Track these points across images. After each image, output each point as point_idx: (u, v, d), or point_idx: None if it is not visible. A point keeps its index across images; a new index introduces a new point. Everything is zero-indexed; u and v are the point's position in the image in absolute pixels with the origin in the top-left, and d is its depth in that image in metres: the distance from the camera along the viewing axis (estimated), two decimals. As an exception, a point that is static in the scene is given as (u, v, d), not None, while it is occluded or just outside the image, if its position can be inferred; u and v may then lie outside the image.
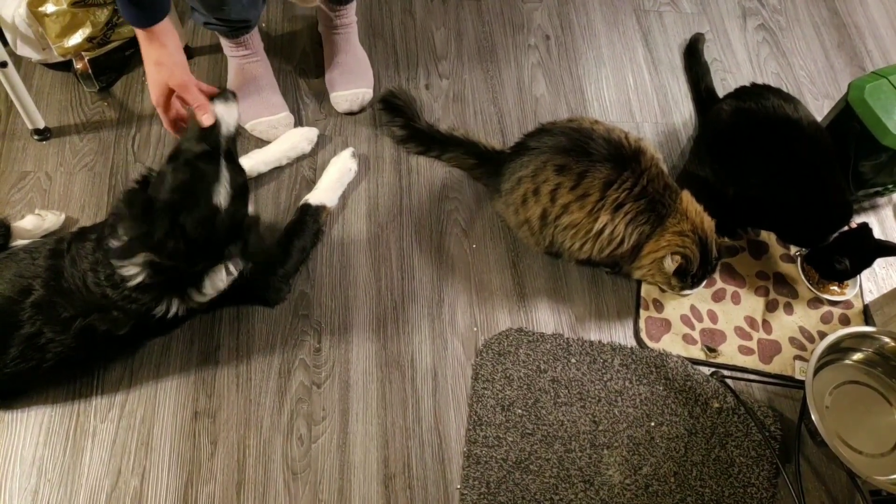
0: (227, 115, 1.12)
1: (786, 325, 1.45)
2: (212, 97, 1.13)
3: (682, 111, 1.71)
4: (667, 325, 1.42)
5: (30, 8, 1.42)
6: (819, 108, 1.74)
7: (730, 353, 1.40)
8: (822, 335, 1.40)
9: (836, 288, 1.48)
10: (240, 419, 1.25)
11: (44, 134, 1.50)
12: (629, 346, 1.38)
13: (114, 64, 1.58)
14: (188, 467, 1.21)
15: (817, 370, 1.26)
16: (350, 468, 1.23)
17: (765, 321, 1.45)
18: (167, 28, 1.11)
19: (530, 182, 1.31)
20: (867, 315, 1.47)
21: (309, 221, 1.39)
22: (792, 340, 1.43)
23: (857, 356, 1.33)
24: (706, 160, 1.49)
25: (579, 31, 1.81)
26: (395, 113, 1.53)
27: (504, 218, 1.46)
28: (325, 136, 1.56)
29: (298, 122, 1.57)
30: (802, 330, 1.44)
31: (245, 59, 1.53)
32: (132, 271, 1.05)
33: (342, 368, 1.31)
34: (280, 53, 1.67)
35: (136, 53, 1.62)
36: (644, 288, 1.44)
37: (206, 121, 1.09)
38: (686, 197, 1.33)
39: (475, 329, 1.38)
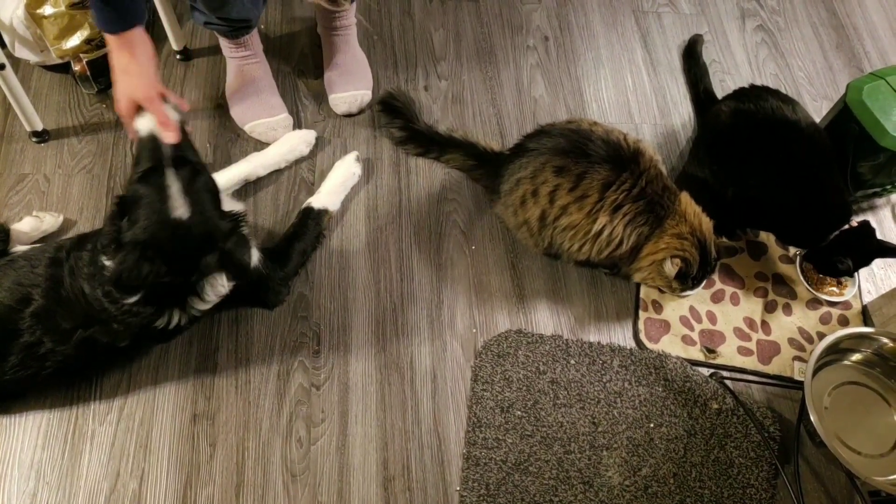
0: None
1: (785, 325, 1.45)
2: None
3: (681, 112, 1.71)
4: (666, 326, 1.42)
5: (28, 10, 1.42)
6: (817, 109, 1.74)
7: (729, 354, 1.40)
8: (821, 336, 1.40)
9: (834, 289, 1.48)
10: (239, 421, 1.25)
11: (42, 136, 1.50)
12: (628, 348, 1.39)
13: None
14: (187, 469, 1.21)
15: (816, 371, 1.26)
16: (349, 470, 1.23)
17: (764, 322, 1.45)
18: (140, 37, 1.07)
19: (529, 183, 1.31)
20: (866, 316, 1.47)
21: (311, 225, 1.39)
22: (791, 341, 1.43)
23: (856, 357, 1.33)
24: (705, 161, 1.49)
25: (578, 33, 1.81)
26: (393, 114, 1.53)
27: (503, 219, 1.46)
28: (324, 138, 1.56)
29: (297, 124, 1.57)
30: (801, 331, 1.44)
31: (244, 61, 1.53)
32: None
33: (341, 370, 1.31)
34: (279, 55, 1.67)
35: (135, 55, 1.62)
36: (643, 289, 1.44)
37: (168, 139, 1.04)
38: (685, 198, 1.33)
39: (474, 331, 1.38)
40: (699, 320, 1.44)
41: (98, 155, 1.50)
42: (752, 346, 1.42)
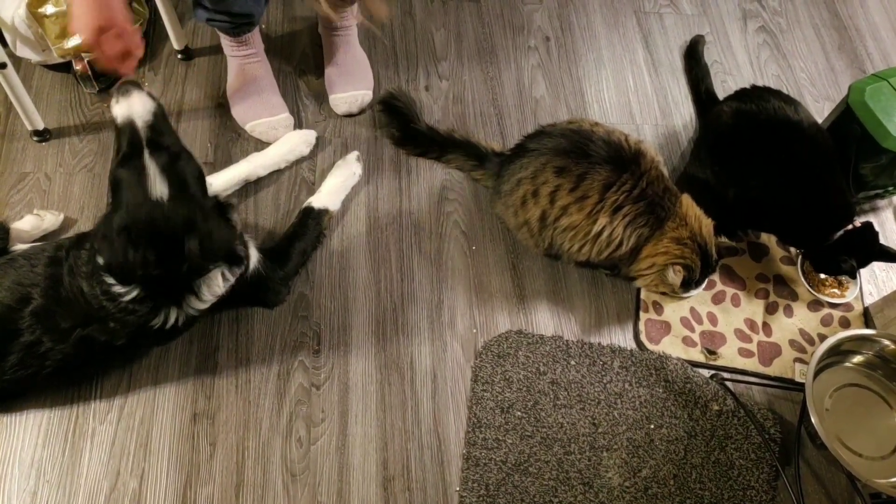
0: (136, 106, 1.04)
1: (786, 327, 1.44)
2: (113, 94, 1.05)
3: (683, 113, 1.71)
4: (666, 327, 1.41)
5: (29, 9, 1.42)
6: (819, 110, 1.73)
7: (729, 355, 1.40)
8: (823, 338, 1.40)
9: (836, 290, 1.48)
10: (239, 421, 1.25)
11: (43, 135, 1.50)
12: (629, 349, 1.38)
13: (113, 65, 1.58)
14: (187, 469, 1.21)
15: (817, 373, 1.26)
16: (349, 470, 1.23)
17: (765, 324, 1.44)
18: None
19: (530, 184, 1.31)
20: (867, 318, 1.47)
21: (311, 225, 1.39)
22: (792, 343, 1.43)
23: (858, 359, 1.33)
24: (706, 162, 1.48)
25: (579, 33, 1.81)
26: (394, 115, 1.53)
27: (504, 219, 1.45)
28: (325, 138, 1.56)
29: (298, 124, 1.57)
30: (802, 332, 1.44)
31: (246, 60, 1.53)
32: (125, 288, 1.05)
33: (341, 370, 1.31)
34: (280, 54, 1.67)
35: (136, 54, 1.62)
36: (644, 290, 1.44)
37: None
38: (686, 200, 1.33)
39: (474, 331, 1.38)
40: (700, 322, 1.44)
41: (99, 154, 1.50)
42: (753, 347, 1.42)
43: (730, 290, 1.47)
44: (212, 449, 1.22)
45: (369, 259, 1.43)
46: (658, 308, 1.43)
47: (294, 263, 1.36)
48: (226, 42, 1.51)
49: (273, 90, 1.56)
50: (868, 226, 1.35)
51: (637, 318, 1.42)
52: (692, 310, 1.44)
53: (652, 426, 1.30)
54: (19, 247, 1.24)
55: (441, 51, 1.73)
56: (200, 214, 1.04)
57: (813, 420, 1.15)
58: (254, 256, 1.22)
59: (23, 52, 1.50)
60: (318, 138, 1.54)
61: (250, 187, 1.48)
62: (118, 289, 1.05)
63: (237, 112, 1.54)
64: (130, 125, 1.03)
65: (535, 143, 1.34)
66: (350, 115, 1.60)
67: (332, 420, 1.27)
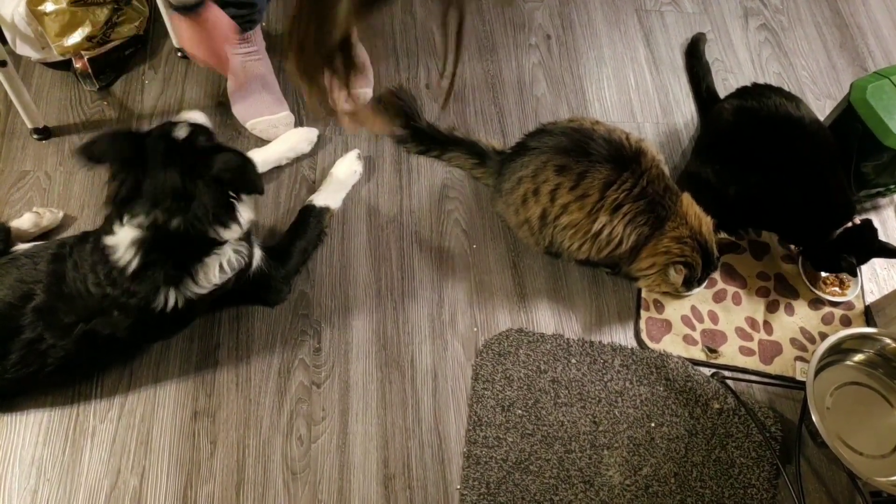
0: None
1: (787, 325, 1.44)
2: None
3: (684, 111, 1.70)
4: (667, 325, 1.41)
5: (29, 6, 1.42)
6: (821, 108, 1.73)
7: (730, 353, 1.40)
8: (824, 336, 1.39)
9: (837, 289, 1.48)
10: (239, 419, 1.25)
11: (43, 133, 1.50)
12: (630, 347, 1.38)
13: (113, 63, 1.58)
14: (187, 467, 1.21)
15: (818, 371, 1.26)
16: (350, 468, 1.23)
17: (766, 322, 1.44)
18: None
19: (530, 182, 1.31)
20: (868, 316, 1.47)
21: (312, 223, 1.39)
22: (793, 341, 1.43)
23: (859, 357, 1.32)
24: (707, 160, 1.48)
25: (580, 31, 1.81)
26: (395, 112, 1.52)
27: (504, 218, 1.45)
28: (325, 136, 1.56)
29: (298, 122, 1.57)
30: (803, 331, 1.44)
31: (248, 57, 1.53)
32: (126, 256, 1.05)
33: (342, 368, 1.31)
34: (280, 52, 1.67)
35: (136, 52, 1.62)
36: (642, 287, 1.44)
37: None
38: (686, 199, 1.33)
39: (475, 329, 1.38)
40: (701, 320, 1.43)
41: (99, 152, 1.50)
42: (754, 345, 1.41)
43: (731, 289, 1.47)
44: (212, 447, 1.22)
45: (370, 257, 1.43)
46: (659, 306, 1.43)
47: (295, 262, 1.35)
48: None
49: (274, 88, 1.56)
50: (867, 223, 1.35)
51: (638, 317, 1.42)
52: (693, 308, 1.44)
53: (653, 424, 1.30)
54: (20, 246, 1.24)
55: (442, 48, 1.72)
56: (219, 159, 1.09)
57: (814, 418, 1.15)
58: (257, 254, 1.22)
59: (23, 49, 1.50)
60: (319, 136, 1.53)
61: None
62: (119, 257, 1.05)
63: (238, 110, 1.54)
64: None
65: (536, 141, 1.34)
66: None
67: (333, 418, 1.27)
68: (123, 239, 1.06)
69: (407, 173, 1.54)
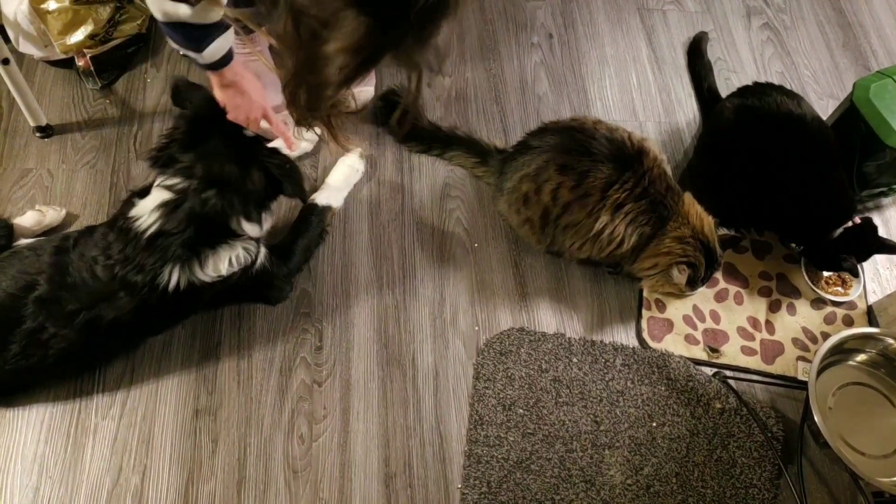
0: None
1: (789, 325, 1.44)
2: None
3: (686, 110, 1.70)
4: (669, 325, 1.41)
5: (32, 5, 1.42)
6: (823, 107, 1.73)
7: (732, 353, 1.40)
8: (826, 336, 1.39)
9: (839, 289, 1.47)
10: (241, 417, 1.25)
11: (46, 131, 1.50)
12: (631, 346, 1.38)
13: (116, 61, 1.58)
14: (189, 465, 1.21)
15: (820, 371, 1.25)
16: (351, 467, 1.23)
17: (767, 322, 1.44)
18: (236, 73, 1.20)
19: (532, 181, 1.31)
20: (871, 316, 1.46)
21: (314, 221, 1.39)
22: (795, 341, 1.42)
23: (861, 357, 1.32)
24: (708, 159, 1.48)
25: (582, 30, 1.81)
26: (394, 111, 1.52)
27: (506, 217, 1.45)
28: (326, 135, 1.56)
29: (300, 120, 1.57)
30: (805, 331, 1.44)
31: (250, 56, 1.53)
32: (148, 220, 1.08)
33: (343, 367, 1.31)
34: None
35: (139, 51, 1.62)
36: (646, 288, 1.44)
37: (292, 149, 1.29)
38: (688, 199, 1.32)
39: (476, 328, 1.38)
40: (703, 319, 1.43)
41: (101, 150, 1.50)
42: (756, 345, 1.41)
43: (733, 288, 1.47)
44: (214, 445, 1.23)
45: (371, 256, 1.43)
46: (661, 306, 1.43)
47: (298, 260, 1.36)
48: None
49: (276, 86, 1.55)
50: (867, 222, 1.34)
51: (640, 316, 1.41)
52: (695, 307, 1.44)
53: (654, 424, 1.30)
54: (22, 241, 1.25)
55: (444, 48, 1.71)
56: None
57: (816, 418, 1.15)
58: (262, 253, 1.23)
59: (25, 48, 1.50)
60: (320, 135, 1.53)
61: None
62: (143, 222, 1.08)
63: (239, 108, 1.54)
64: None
65: (538, 140, 1.34)
66: (352, 112, 1.59)
67: (334, 417, 1.27)
68: (151, 202, 1.09)
69: (408, 172, 1.54)
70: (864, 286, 1.49)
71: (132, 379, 1.27)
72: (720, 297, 1.46)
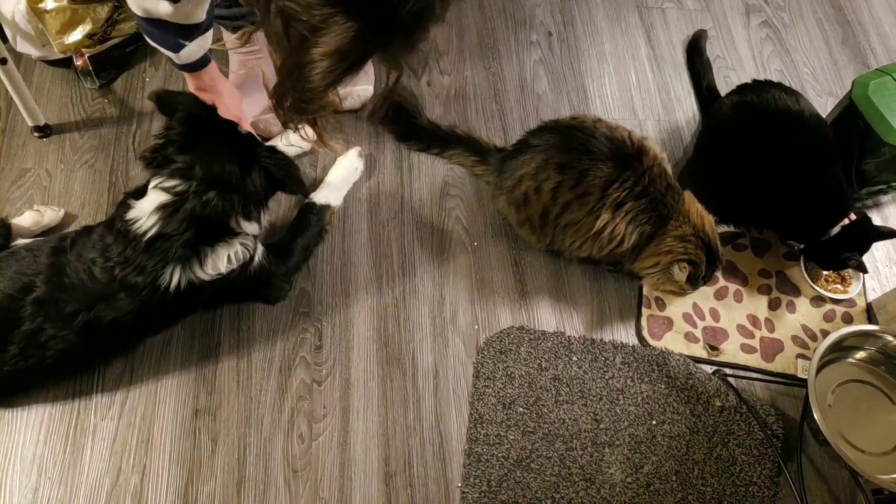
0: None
1: (788, 323, 1.44)
2: None
3: (685, 108, 1.70)
4: (669, 323, 1.41)
5: (30, 4, 1.41)
6: (822, 105, 1.72)
7: (732, 351, 1.40)
8: (825, 333, 1.39)
9: (839, 286, 1.48)
10: (240, 417, 1.25)
11: (44, 131, 1.50)
12: (631, 345, 1.38)
13: (114, 60, 1.58)
14: (188, 465, 1.21)
15: (820, 368, 1.26)
16: (351, 466, 1.23)
17: (767, 319, 1.44)
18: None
19: (532, 180, 1.31)
20: (870, 313, 1.46)
21: (313, 220, 1.39)
22: (794, 339, 1.42)
23: (860, 355, 1.32)
24: (707, 157, 1.48)
25: (582, 28, 1.81)
26: (396, 110, 1.52)
27: (506, 216, 1.45)
28: (326, 133, 1.56)
29: (299, 119, 1.56)
30: (805, 328, 1.44)
31: (249, 56, 1.52)
32: (147, 223, 1.07)
33: (343, 366, 1.31)
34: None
35: (137, 50, 1.62)
36: (646, 286, 1.44)
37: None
38: (688, 197, 1.32)
39: (476, 327, 1.38)
40: (702, 317, 1.43)
41: (100, 150, 1.50)
42: (756, 343, 1.41)
43: (732, 286, 1.47)
44: (213, 445, 1.22)
45: (371, 255, 1.43)
46: (660, 304, 1.43)
47: (296, 259, 1.35)
48: (228, 38, 1.51)
49: (262, 91, 1.55)
50: (865, 218, 1.35)
51: (639, 314, 1.41)
52: (694, 305, 1.44)
53: (654, 422, 1.30)
54: (20, 241, 1.24)
55: (443, 46, 1.72)
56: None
57: (815, 416, 1.15)
58: (259, 250, 1.23)
59: (23, 47, 1.50)
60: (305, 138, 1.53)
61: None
62: (142, 224, 1.07)
63: (238, 107, 1.53)
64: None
65: (538, 139, 1.34)
66: (352, 111, 1.59)
67: (334, 416, 1.27)
68: (149, 204, 1.08)
69: (408, 171, 1.54)
70: (864, 284, 1.49)
71: (131, 379, 1.27)
72: (720, 294, 1.46)
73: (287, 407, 1.27)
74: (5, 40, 1.48)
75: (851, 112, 1.44)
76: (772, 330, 1.43)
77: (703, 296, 1.45)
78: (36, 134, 1.50)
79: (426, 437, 1.26)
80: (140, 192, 1.12)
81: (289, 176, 1.17)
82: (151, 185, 1.10)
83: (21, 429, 1.21)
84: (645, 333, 1.39)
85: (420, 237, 1.46)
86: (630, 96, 1.71)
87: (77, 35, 1.47)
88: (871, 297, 1.49)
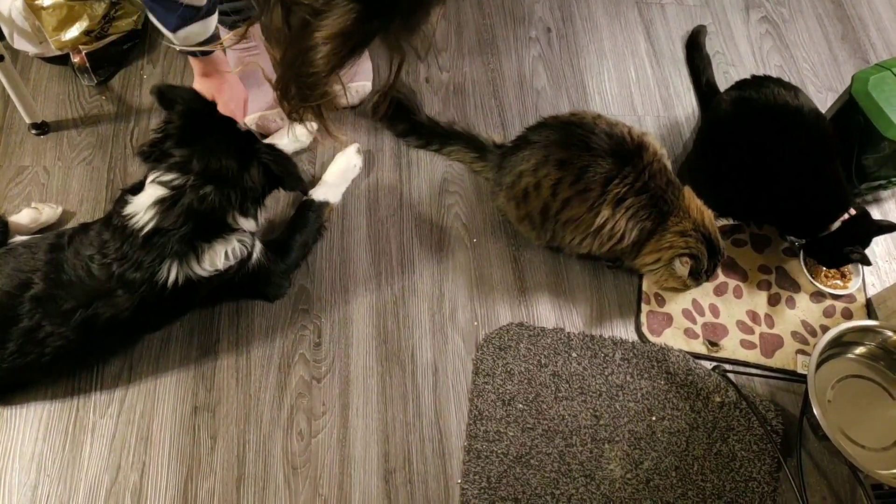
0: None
1: (788, 319, 1.44)
2: None
3: (685, 104, 1.70)
4: (668, 319, 1.41)
5: (26, 1, 1.41)
6: (822, 100, 1.72)
7: (731, 347, 1.40)
8: (825, 329, 1.39)
9: (838, 282, 1.47)
10: (239, 414, 1.25)
11: (41, 128, 1.49)
12: (630, 341, 1.38)
13: (112, 57, 1.57)
14: (188, 462, 1.21)
15: (819, 364, 1.26)
16: (350, 463, 1.23)
17: (767, 315, 1.44)
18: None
19: (531, 176, 1.30)
20: (870, 309, 1.46)
21: (312, 217, 1.38)
22: (794, 334, 1.42)
23: (860, 350, 1.32)
24: (707, 152, 1.48)
25: (581, 24, 1.80)
26: (395, 106, 1.52)
27: (505, 212, 1.45)
28: (325, 129, 1.55)
29: (298, 116, 1.56)
30: (805, 324, 1.44)
31: (247, 52, 1.52)
32: (144, 218, 1.07)
33: (342, 363, 1.31)
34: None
35: (134, 47, 1.62)
36: (645, 282, 1.44)
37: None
38: (688, 193, 1.32)
39: (476, 323, 1.37)
40: (702, 313, 1.43)
41: (98, 147, 1.49)
42: (755, 339, 1.41)
43: (732, 282, 1.47)
44: (212, 442, 1.22)
45: (370, 251, 1.43)
46: (660, 300, 1.43)
47: (295, 256, 1.35)
48: (225, 35, 1.50)
49: (264, 87, 1.54)
50: (864, 213, 1.34)
51: (639, 310, 1.41)
52: (694, 301, 1.44)
53: (654, 418, 1.30)
54: (18, 238, 1.24)
55: (441, 42, 1.72)
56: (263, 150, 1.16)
57: (815, 411, 1.15)
58: (257, 247, 1.22)
59: (20, 44, 1.49)
60: (317, 130, 1.53)
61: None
62: (139, 219, 1.07)
63: (236, 104, 1.53)
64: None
65: (537, 135, 1.33)
66: (350, 107, 1.59)
67: (334, 413, 1.26)
68: (146, 199, 1.08)
69: (407, 167, 1.53)
70: (864, 279, 1.49)
71: (130, 377, 1.27)
72: (719, 290, 1.46)
73: (286, 404, 1.26)
74: (2, 37, 1.47)
75: (851, 107, 1.44)
76: (771, 326, 1.43)
77: (703, 292, 1.45)
78: (33, 131, 1.49)
79: (426, 433, 1.26)
80: (137, 188, 1.12)
81: (287, 172, 1.17)
82: (149, 179, 1.10)
83: (20, 426, 1.21)
84: (644, 329, 1.39)
85: (419, 234, 1.46)
86: (629, 92, 1.70)
87: (74, 32, 1.46)
88: (871, 292, 1.49)
